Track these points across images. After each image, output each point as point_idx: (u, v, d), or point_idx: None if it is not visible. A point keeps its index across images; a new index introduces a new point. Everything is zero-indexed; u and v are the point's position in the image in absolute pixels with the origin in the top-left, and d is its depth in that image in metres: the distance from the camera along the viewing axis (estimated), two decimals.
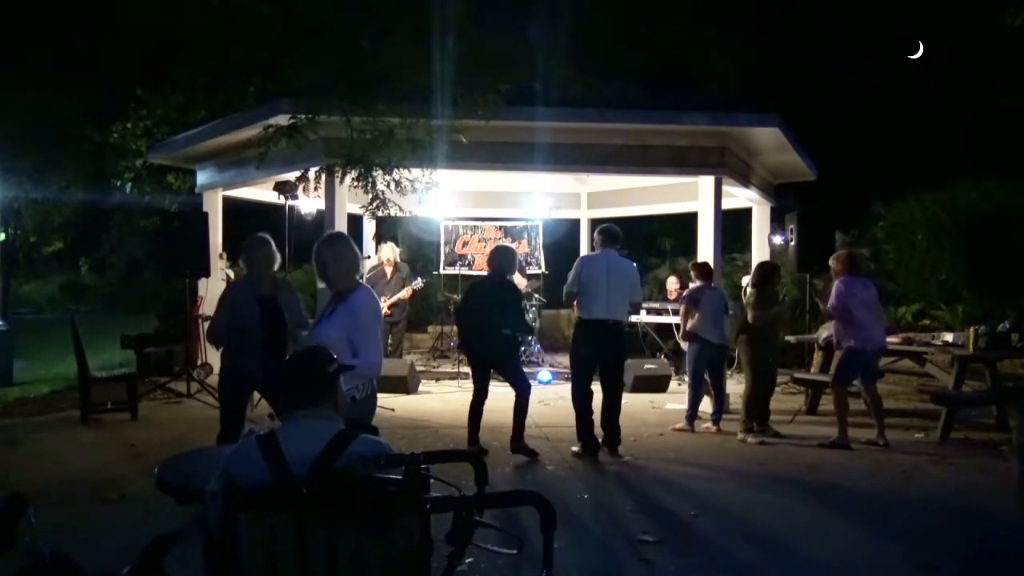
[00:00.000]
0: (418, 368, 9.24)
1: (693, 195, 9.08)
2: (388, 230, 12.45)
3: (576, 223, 13.27)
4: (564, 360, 8.30)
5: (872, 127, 15.14)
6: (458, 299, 10.22)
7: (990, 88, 12.47)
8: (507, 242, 10.53)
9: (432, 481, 1.92)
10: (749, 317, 6.43)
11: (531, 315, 10.24)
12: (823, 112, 14.60)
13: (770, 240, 10.01)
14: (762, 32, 13.90)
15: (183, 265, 8.61)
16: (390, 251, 9.40)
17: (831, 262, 6.50)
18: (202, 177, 10.31)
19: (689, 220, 9.84)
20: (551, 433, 6.46)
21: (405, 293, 9.22)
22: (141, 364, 9.22)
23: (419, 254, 13.81)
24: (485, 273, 6.22)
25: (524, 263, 10.67)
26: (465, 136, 7.30)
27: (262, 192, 10.02)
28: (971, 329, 6.85)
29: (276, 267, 4.70)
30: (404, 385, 8.27)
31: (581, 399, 5.83)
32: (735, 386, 7.51)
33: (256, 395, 5.07)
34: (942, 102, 14.44)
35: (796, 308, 10.52)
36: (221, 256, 9.81)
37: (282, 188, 8.12)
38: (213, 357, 8.49)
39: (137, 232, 13.93)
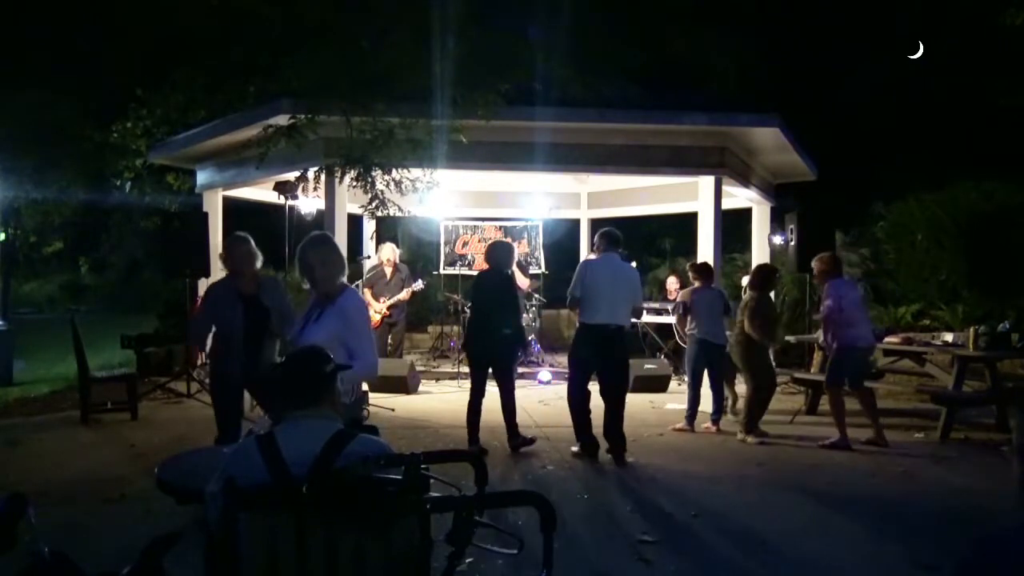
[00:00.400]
0: (418, 368, 9.24)
1: (693, 195, 9.09)
2: (388, 230, 12.45)
3: (576, 223, 13.27)
4: (564, 360, 8.28)
5: (872, 127, 15.15)
6: (458, 299, 10.25)
7: (990, 88, 12.47)
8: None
9: (432, 481, 1.93)
10: (747, 327, 6.37)
11: (531, 315, 10.25)
12: (823, 112, 14.61)
13: (770, 240, 10.01)
14: (762, 32, 13.90)
15: (183, 265, 8.62)
16: (390, 251, 9.39)
17: (815, 263, 6.48)
18: (202, 177, 10.31)
19: (689, 220, 9.85)
20: (551, 433, 6.45)
21: (404, 295, 9.21)
22: (141, 364, 9.21)
23: (419, 254, 13.83)
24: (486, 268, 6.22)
25: (525, 263, 10.68)
26: (465, 136, 7.31)
27: (262, 192, 10.01)
28: (971, 329, 6.84)
29: (259, 265, 4.65)
30: (404, 385, 8.27)
31: (577, 399, 5.82)
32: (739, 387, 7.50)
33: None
34: (942, 102, 14.44)
35: (796, 308, 10.51)
36: (221, 256, 9.78)
37: (282, 188, 8.11)
38: None
39: (137, 232, 13.95)
